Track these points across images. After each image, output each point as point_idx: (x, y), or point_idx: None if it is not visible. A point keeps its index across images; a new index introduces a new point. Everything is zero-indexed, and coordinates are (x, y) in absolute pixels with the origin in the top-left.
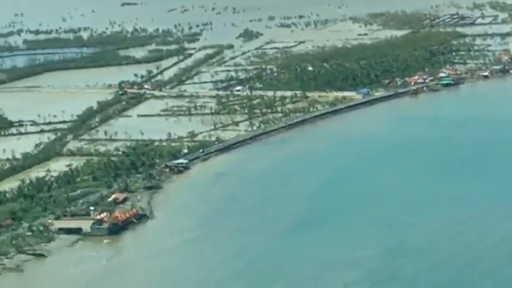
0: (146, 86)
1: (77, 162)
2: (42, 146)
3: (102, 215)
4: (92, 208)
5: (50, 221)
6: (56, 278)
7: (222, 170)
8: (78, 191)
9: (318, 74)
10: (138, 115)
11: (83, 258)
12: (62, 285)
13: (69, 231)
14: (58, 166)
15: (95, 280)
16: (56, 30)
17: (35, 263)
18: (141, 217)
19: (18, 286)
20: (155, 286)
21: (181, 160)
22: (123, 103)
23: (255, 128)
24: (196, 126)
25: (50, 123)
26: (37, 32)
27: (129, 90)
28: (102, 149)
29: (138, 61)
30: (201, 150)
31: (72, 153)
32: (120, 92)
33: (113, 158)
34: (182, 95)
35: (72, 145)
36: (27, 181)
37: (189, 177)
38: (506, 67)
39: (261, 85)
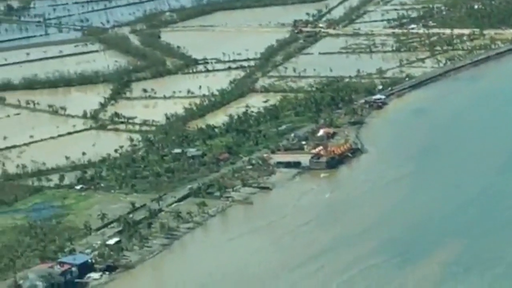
0: (320, 25)
1: (272, 98)
2: (235, 82)
3: (318, 150)
4: (303, 142)
5: (266, 155)
6: (284, 210)
7: (419, 106)
8: (284, 126)
9: (491, 12)
10: (320, 53)
11: (306, 191)
12: (291, 216)
13: (288, 164)
14: (255, 101)
15: (322, 212)
16: None
17: (262, 196)
18: (355, 151)
19: (250, 217)
20: (384, 218)
21: (379, 96)
22: (301, 41)
23: (441, 65)
24: (378, 63)
25: (235, 60)
26: None
27: (304, 29)
28: (293, 85)
29: (303, 0)
30: (390, 88)
31: (265, 89)
32: (296, 31)
33: (311, 94)
34: (358, 33)
35: (262, 81)
36: (235, 116)
37: (388, 112)
38: None
39: (434, 23)
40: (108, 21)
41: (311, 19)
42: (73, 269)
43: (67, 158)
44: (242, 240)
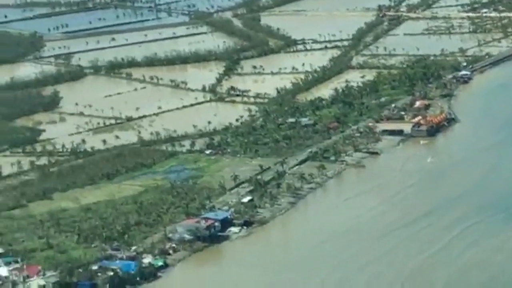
0: (401, 9)
1: (368, 74)
2: (333, 60)
3: (418, 119)
4: (402, 113)
5: (371, 124)
6: (392, 173)
7: (501, 82)
8: (383, 99)
9: None
10: (404, 34)
11: (409, 156)
12: (399, 179)
13: (392, 132)
14: (353, 77)
15: (425, 175)
16: None
17: (371, 160)
18: (450, 121)
19: (362, 179)
20: (483, 181)
21: (464, 72)
22: (385, 24)
23: None
24: (458, 43)
25: (330, 41)
26: None
27: (387, 13)
28: (385, 62)
29: None
30: (471, 66)
31: (361, 66)
32: (380, 15)
33: (404, 70)
34: (436, 17)
35: (356, 59)
36: (339, 90)
37: (474, 87)
38: None
39: (503, 8)
40: (212, 6)
41: (393, 4)
42: (216, 224)
43: (194, 126)
44: (357, 200)
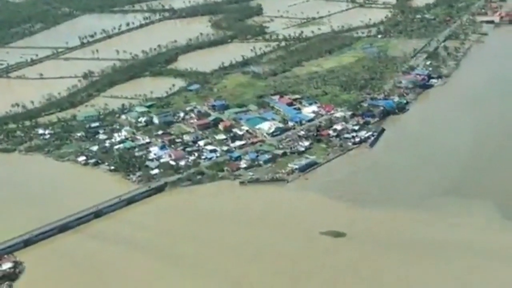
0: None
1: None
2: None
3: (499, 13)
4: (483, 10)
5: (471, 17)
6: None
7: None
8: (463, 3)
9: None
10: None
11: (505, 34)
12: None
13: (487, 22)
14: None
15: None
16: None
17: (485, 38)
18: None
19: (488, 46)
20: None
21: None
22: None
23: None
24: None
25: None
26: None
27: None
28: None
29: None
30: None
31: None
32: None
33: None
34: None
35: None
36: None
37: None
38: None
39: None
40: None
41: None
42: (426, 77)
43: (361, 21)
44: (497, 59)
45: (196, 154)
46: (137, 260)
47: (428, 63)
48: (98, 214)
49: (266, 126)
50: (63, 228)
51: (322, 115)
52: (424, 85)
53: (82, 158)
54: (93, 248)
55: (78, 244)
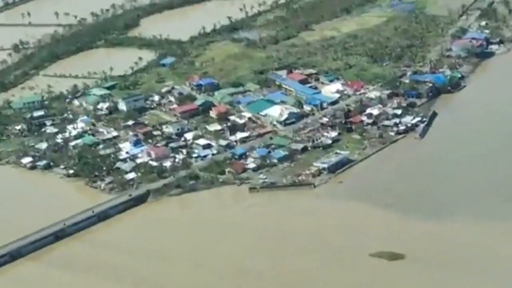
0: None
1: None
2: None
3: None
4: None
5: None
6: None
7: None
8: None
9: None
10: None
11: None
12: None
13: None
14: None
15: None
16: None
17: None
18: None
19: None
20: None
21: None
22: None
23: None
24: None
25: None
26: None
27: None
28: None
29: None
30: None
31: None
32: None
33: None
34: None
35: None
36: None
37: None
38: None
39: None
40: None
41: None
42: (483, 43)
43: None
44: None
45: (185, 152)
46: None
47: (483, 23)
48: (60, 235)
49: (276, 112)
50: (15, 255)
51: (349, 96)
52: (482, 53)
53: (27, 160)
54: (56, 279)
55: (36, 275)
